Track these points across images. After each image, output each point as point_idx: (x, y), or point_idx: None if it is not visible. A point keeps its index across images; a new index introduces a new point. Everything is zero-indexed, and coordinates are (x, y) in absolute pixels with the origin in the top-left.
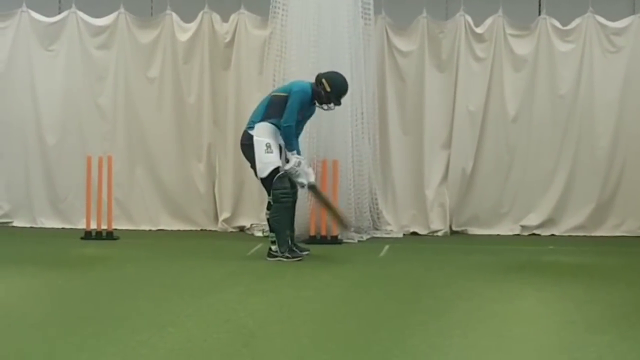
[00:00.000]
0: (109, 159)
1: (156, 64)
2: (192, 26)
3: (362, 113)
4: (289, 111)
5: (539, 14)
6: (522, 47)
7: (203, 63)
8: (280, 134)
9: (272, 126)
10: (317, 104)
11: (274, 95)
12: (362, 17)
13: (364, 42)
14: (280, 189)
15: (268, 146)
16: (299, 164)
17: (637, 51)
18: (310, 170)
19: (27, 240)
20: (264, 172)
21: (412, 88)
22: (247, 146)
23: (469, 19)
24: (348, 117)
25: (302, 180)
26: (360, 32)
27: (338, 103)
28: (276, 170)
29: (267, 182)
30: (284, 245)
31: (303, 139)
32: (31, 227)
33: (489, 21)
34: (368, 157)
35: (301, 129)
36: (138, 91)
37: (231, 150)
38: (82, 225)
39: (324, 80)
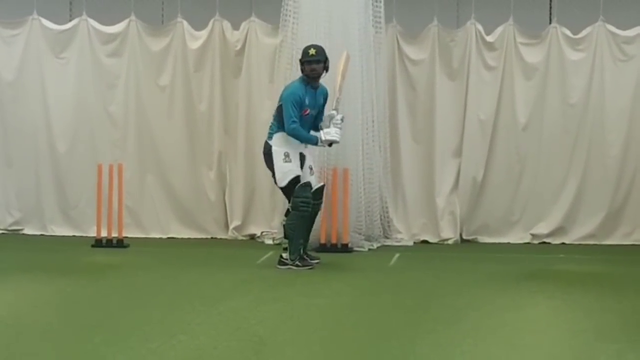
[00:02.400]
0: (120, 166)
1: (167, 72)
2: (203, 34)
3: (373, 121)
4: (285, 117)
5: (550, 23)
6: (533, 55)
7: (214, 71)
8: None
9: (288, 136)
10: (313, 78)
11: (278, 108)
12: (373, 25)
13: (375, 50)
14: (301, 197)
15: (286, 155)
16: (341, 118)
17: None
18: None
19: (38, 247)
20: (283, 182)
21: (423, 96)
22: (267, 155)
23: (480, 27)
24: (359, 125)
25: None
26: (371, 40)
27: (308, 62)
28: (296, 179)
29: (287, 190)
30: (295, 253)
31: (313, 148)
32: (42, 235)
33: (499, 29)
34: (379, 165)
35: (321, 119)
36: (149, 99)
37: (242, 158)
38: (92, 232)
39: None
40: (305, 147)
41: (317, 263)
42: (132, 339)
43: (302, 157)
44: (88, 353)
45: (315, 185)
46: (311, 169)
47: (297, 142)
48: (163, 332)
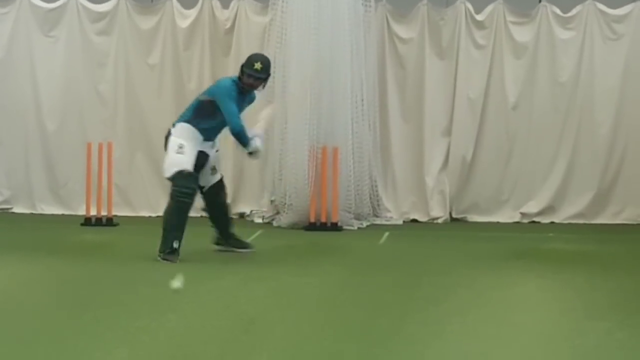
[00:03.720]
0: (109, 145)
1: (156, 51)
2: (193, 13)
3: (362, 100)
4: (227, 115)
5: (540, 1)
6: (523, 34)
7: (203, 49)
8: (235, 140)
9: (196, 131)
10: (247, 89)
11: (200, 100)
12: (362, 3)
13: (364, 29)
14: (179, 186)
15: (180, 147)
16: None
17: (638, 38)
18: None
19: (27, 226)
20: (167, 172)
21: (412, 75)
22: (165, 140)
23: (470, 6)
24: (348, 104)
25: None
26: (361, 19)
27: (249, 75)
28: (181, 172)
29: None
30: (166, 244)
31: (302, 127)
32: (31, 214)
33: (489, 8)
34: (368, 144)
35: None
36: (138, 78)
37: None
38: (82, 211)
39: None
40: (213, 147)
41: (247, 251)
42: (121, 317)
43: (204, 157)
44: (77, 331)
45: (214, 181)
46: (214, 169)
47: (200, 138)
48: (152, 310)
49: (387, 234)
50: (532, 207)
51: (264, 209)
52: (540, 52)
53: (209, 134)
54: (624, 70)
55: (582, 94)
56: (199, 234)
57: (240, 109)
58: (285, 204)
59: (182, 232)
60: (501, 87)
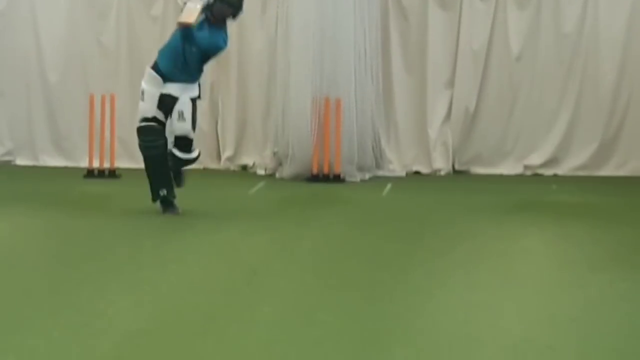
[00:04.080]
0: (112, 97)
1: (159, 2)
2: None
3: (365, 51)
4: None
5: None
6: None
7: None
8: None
9: (153, 72)
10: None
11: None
12: None
13: None
14: (141, 140)
15: (142, 93)
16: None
17: None
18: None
19: (30, 178)
20: (137, 121)
21: (416, 27)
22: None
23: None
24: (351, 56)
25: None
26: None
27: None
28: (144, 120)
29: None
30: (153, 194)
31: (305, 78)
32: (33, 166)
33: None
34: (371, 95)
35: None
36: (141, 29)
37: (234, 88)
38: (84, 163)
39: None
40: (185, 91)
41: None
42: (125, 268)
43: (169, 99)
44: (80, 282)
45: (180, 132)
46: (181, 115)
47: (159, 80)
48: (155, 261)
49: (389, 185)
50: (535, 159)
51: (267, 161)
52: (544, 2)
53: (167, 71)
54: (629, 21)
55: (586, 45)
56: (200, 185)
57: (197, 39)
58: (287, 155)
59: (166, 180)
60: (505, 38)
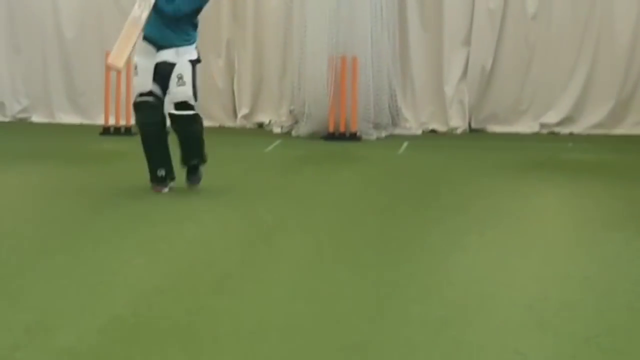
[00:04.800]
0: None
1: None
2: None
3: (382, 9)
4: None
5: None
6: None
7: None
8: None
9: (144, 42)
10: None
11: None
12: None
13: None
14: (138, 118)
15: (135, 68)
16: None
17: None
18: None
19: (46, 135)
20: (132, 97)
21: None
22: None
23: None
24: (367, 14)
25: None
26: None
27: None
28: (140, 95)
29: None
30: (152, 174)
31: (322, 36)
32: (49, 123)
33: None
34: (387, 53)
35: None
36: None
37: (250, 45)
38: (100, 120)
39: None
40: (180, 54)
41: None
42: (140, 225)
43: (166, 67)
44: (95, 240)
45: (180, 97)
46: (180, 78)
47: (151, 49)
48: (171, 219)
49: (405, 144)
50: (551, 117)
51: (283, 119)
52: None
53: (158, 36)
54: None
55: (601, 3)
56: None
57: None
58: (304, 113)
59: (164, 158)
60: None
